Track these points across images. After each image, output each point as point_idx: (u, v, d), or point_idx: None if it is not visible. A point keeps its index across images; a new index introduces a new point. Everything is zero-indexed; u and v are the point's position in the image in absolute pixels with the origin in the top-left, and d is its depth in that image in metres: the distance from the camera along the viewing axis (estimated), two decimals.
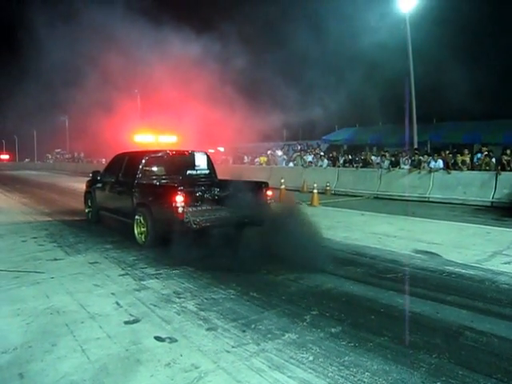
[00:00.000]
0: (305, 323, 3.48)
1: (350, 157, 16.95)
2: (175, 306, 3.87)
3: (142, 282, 4.58)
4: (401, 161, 14.19)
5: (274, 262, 5.11)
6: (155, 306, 3.87)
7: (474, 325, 3.44)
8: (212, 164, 7.85)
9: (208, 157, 7.80)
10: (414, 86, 16.23)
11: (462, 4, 17.06)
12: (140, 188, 6.68)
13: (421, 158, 13.48)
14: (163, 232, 6.04)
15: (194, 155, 7.56)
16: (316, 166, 17.09)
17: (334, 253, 5.62)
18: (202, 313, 3.70)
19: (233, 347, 3.04)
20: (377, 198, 13.34)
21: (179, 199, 5.56)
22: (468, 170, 12.38)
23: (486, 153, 12.69)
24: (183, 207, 5.58)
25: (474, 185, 11.59)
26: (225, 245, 5.60)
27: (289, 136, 28.19)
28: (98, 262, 5.44)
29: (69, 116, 46.91)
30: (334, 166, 16.56)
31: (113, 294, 4.19)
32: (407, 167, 13.66)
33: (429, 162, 13.05)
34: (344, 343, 3.12)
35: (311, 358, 2.88)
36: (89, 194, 8.66)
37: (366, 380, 2.61)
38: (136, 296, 4.13)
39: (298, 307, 3.85)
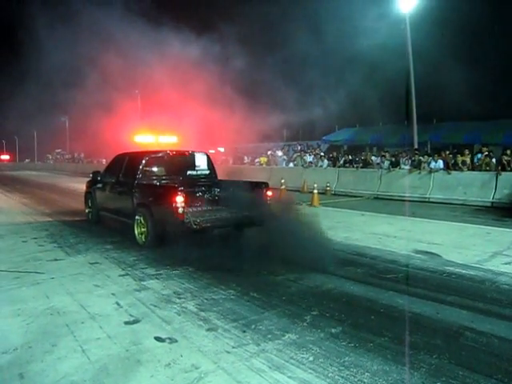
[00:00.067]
0: (305, 324, 3.48)
1: (350, 157, 16.95)
2: (175, 306, 3.87)
3: (143, 283, 4.58)
4: (401, 161, 14.19)
5: (274, 262, 5.10)
6: (155, 306, 3.87)
7: (475, 325, 3.44)
8: (212, 164, 7.85)
9: (208, 157, 7.81)
10: (414, 86, 16.23)
11: (462, 4, 17.07)
12: (140, 188, 6.69)
13: (421, 158, 13.48)
14: (163, 232, 6.04)
15: (194, 156, 7.57)
16: (316, 166, 17.09)
17: (334, 253, 5.61)
18: (203, 313, 3.69)
19: (233, 347, 3.04)
20: (377, 198, 13.34)
21: (179, 200, 5.56)
22: (468, 170, 12.38)
23: (487, 153, 12.68)
24: (183, 208, 5.58)
25: (475, 185, 11.59)
26: (225, 245, 5.60)
27: (289, 136, 28.22)
28: (98, 262, 5.44)
29: (69, 116, 46.98)
30: (334, 166, 16.56)
31: (113, 294, 4.19)
32: (407, 167, 13.66)
33: (429, 163, 13.05)
34: (344, 343, 3.12)
35: (311, 359, 2.88)
36: (89, 194, 8.66)
37: (366, 380, 2.61)
38: (136, 296, 4.13)
39: (299, 307, 3.85)
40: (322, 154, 19.04)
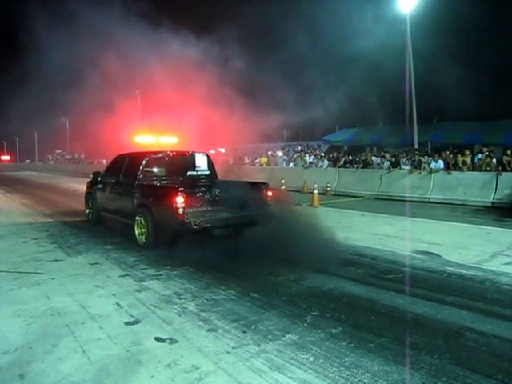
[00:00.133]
0: (305, 324, 3.48)
1: (350, 157, 16.95)
2: (176, 306, 3.87)
3: (143, 283, 4.58)
4: (401, 161, 14.18)
5: (274, 262, 5.10)
6: (156, 306, 3.87)
7: (475, 325, 3.44)
8: (212, 165, 7.86)
9: (208, 157, 7.81)
10: (415, 86, 16.23)
11: (462, 4, 17.07)
12: (140, 189, 6.69)
13: (421, 158, 13.48)
14: (164, 233, 6.05)
15: (194, 156, 7.57)
16: (316, 166, 17.09)
17: (334, 253, 5.61)
18: (203, 314, 3.69)
19: (233, 348, 3.04)
20: (377, 198, 13.34)
21: (180, 200, 5.56)
22: (469, 170, 12.37)
23: (487, 153, 12.67)
24: (184, 208, 5.58)
25: (475, 185, 11.58)
26: (225, 246, 5.60)
27: (289, 136, 28.24)
28: (98, 262, 5.44)
29: (69, 117, 47.00)
30: (334, 166, 16.56)
31: (113, 294, 4.19)
32: (407, 168, 13.65)
33: (429, 163, 13.05)
34: (344, 344, 3.12)
35: (312, 359, 2.88)
36: (89, 195, 8.67)
37: (366, 381, 2.61)
38: (136, 297, 4.13)
39: (299, 308, 3.85)
40: (323, 154, 19.05)
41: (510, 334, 3.30)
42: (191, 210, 5.82)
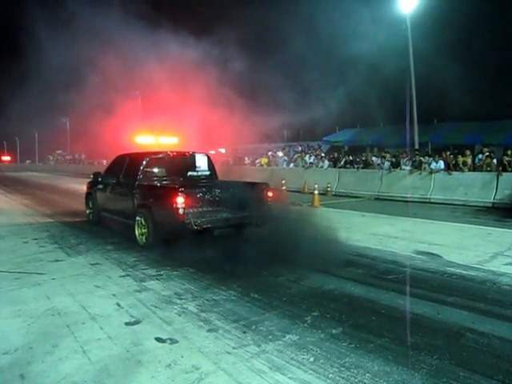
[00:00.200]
0: (305, 324, 3.48)
1: (350, 158, 16.95)
2: (176, 307, 3.87)
3: (143, 283, 4.58)
4: (401, 162, 14.18)
5: (274, 263, 5.11)
6: (156, 307, 3.87)
7: (475, 326, 3.44)
8: (213, 165, 7.87)
9: (209, 158, 7.82)
10: (415, 86, 16.23)
11: (463, 4, 17.07)
12: (141, 189, 6.69)
13: (421, 158, 13.47)
14: (164, 233, 6.05)
15: (194, 156, 7.58)
16: (317, 166, 17.09)
17: (334, 254, 5.61)
18: (203, 314, 3.70)
19: (233, 348, 3.04)
20: (378, 199, 13.33)
21: (180, 200, 5.56)
22: (469, 170, 12.37)
23: (487, 154, 12.67)
24: (184, 208, 5.58)
25: (475, 186, 11.58)
26: (225, 246, 5.60)
27: (290, 137, 28.27)
28: (98, 263, 5.44)
29: (70, 118, 47.07)
30: (334, 166, 16.56)
31: (114, 295, 4.19)
32: (408, 168, 13.65)
33: (430, 163, 13.04)
34: (345, 344, 3.12)
35: (312, 359, 2.88)
36: (90, 195, 8.67)
37: (366, 381, 2.61)
38: (137, 297, 4.13)
39: (299, 308, 3.85)
40: (323, 154, 19.05)
41: (511, 334, 3.29)
42: (191, 211, 5.82)
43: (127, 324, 3.48)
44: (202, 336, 3.25)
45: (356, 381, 2.61)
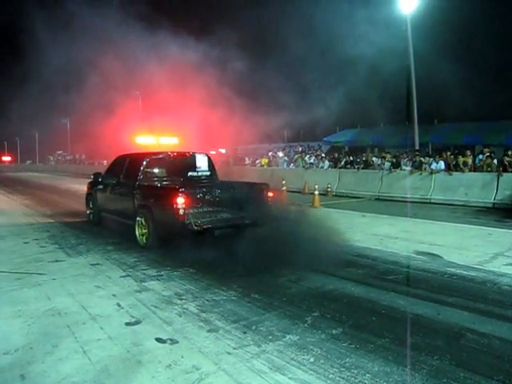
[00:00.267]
0: (306, 325, 3.48)
1: (351, 158, 16.94)
2: (176, 307, 3.87)
3: (143, 284, 4.58)
4: (402, 162, 14.17)
5: (274, 263, 5.10)
6: (156, 307, 3.87)
7: (476, 326, 3.43)
8: (213, 165, 7.87)
9: (209, 158, 7.82)
10: (416, 87, 16.23)
11: (464, 5, 17.08)
12: (141, 190, 6.69)
13: (422, 159, 13.47)
14: (164, 234, 6.05)
15: (194, 157, 7.58)
16: (317, 167, 17.09)
17: (335, 254, 5.61)
18: (203, 314, 3.70)
19: (234, 349, 3.04)
20: (378, 199, 13.33)
21: (180, 201, 5.57)
22: (470, 171, 12.36)
23: (488, 154, 12.65)
24: (184, 209, 5.58)
25: (476, 186, 11.57)
26: (226, 246, 5.60)
27: (290, 137, 28.29)
28: (99, 263, 5.45)
29: (70, 118, 47.13)
30: (335, 167, 16.55)
31: (114, 295, 4.20)
32: (408, 169, 13.64)
33: (430, 164, 13.04)
34: (345, 345, 3.12)
35: (312, 360, 2.88)
36: (90, 195, 8.67)
37: (367, 382, 2.61)
38: (137, 297, 4.13)
39: (299, 309, 3.85)
40: (323, 155, 19.05)
41: (511, 335, 3.29)
42: (192, 211, 5.83)
43: (127, 324, 3.49)
44: (203, 336, 3.25)
45: (356, 381, 2.61)
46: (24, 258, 5.68)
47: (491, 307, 3.87)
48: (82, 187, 12.05)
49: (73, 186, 18.81)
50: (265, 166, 20.15)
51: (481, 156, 13.16)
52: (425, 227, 8.19)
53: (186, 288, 4.43)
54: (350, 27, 14.34)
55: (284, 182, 14.08)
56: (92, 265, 5.36)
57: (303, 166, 17.58)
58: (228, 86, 14.72)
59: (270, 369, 2.76)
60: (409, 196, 12.33)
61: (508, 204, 10.63)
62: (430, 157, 13.66)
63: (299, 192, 14.61)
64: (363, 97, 17.02)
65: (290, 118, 17.48)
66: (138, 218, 6.46)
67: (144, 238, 6.34)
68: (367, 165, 15.44)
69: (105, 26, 15.54)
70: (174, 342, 3.15)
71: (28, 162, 63.69)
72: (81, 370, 2.74)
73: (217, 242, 5.75)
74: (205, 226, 5.61)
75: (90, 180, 8.90)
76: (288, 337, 3.24)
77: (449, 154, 13.80)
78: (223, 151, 25.99)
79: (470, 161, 12.82)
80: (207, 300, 4.06)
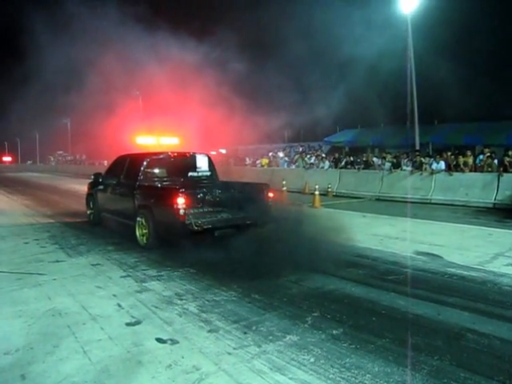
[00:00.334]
0: (306, 325, 3.48)
1: (351, 158, 16.93)
2: (177, 307, 3.88)
3: (144, 284, 4.58)
4: (402, 162, 14.17)
5: (275, 263, 5.10)
6: (157, 307, 3.87)
7: (476, 327, 3.43)
8: (213, 166, 7.87)
9: (209, 158, 7.82)
10: (416, 87, 16.23)
11: (464, 5, 17.07)
12: (142, 190, 6.70)
13: (422, 159, 13.46)
14: (165, 234, 6.06)
15: (195, 157, 7.58)
16: (317, 167, 17.08)
17: (335, 254, 5.61)
18: (204, 315, 3.70)
19: (234, 349, 3.04)
20: (378, 199, 13.32)
21: (181, 201, 5.57)
22: (470, 171, 12.35)
23: (488, 154, 12.64)
24: (185, 209, 5.58)
25: (476, 186, 11.56)
26: (226, 247, 5.60)
27: (290, 137, 28.27)
28: (99, 263, 5.45)
29: (71, 118, 47.19)
30: (335, 167, 16.54)
31: (114, 295, 4.20)
32: (409, 169, 13.64)
33: (430, 164, 13.03)
34: (345, 345, 3.12)
35: (312, 360, 2.88)
36: (90, 196, 8.68)
37: (367, 382, 2.61)
38: (137, 298, 4.14)
39: (300, 309, 3.85)
40: (324, 155, 19.05)
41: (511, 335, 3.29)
42: (192, 211, 5.83)
43: (128, 324, 3.49)
44: (203, 336, 3.25)
45: (356, 381, 2.61)
46: (24, 258, 5.68)
47: (491, 307, 3.87)
48: (82, 187, 12.06)
49: (73, 187, 18.82)
50: (265, 167, 20.15)
51: (481, 156, 13.15)
52: (425, 227, 8.19)
53: (187, 288, 4.43)
54: (350, 27, 14.34)
55: (284, 183, 14.08)
56: (92, 265, 5.36)
57: (303, 167, 17.58)
58: (228, 86, 14.73)
59: (271, 369, 2.76)
60: (409, 196, 12.32)
61: (508, 204, 10.62)
62: (430, 157, 13.65)
63: (300, 192, 14.61)
64: (363, 97, 17.01)
65: (290, 118, 17.49)
66: (138, 219, 6.47)
67: (144, 238, 6.34)
68: (368, 165, 15.44)
69: (105, 27, 15.56)
70: (174, 342, 3.16)
71: (28, 162, 63.80)
72: (81, 370, 2.74)
73: (217, 242, 5.75)
74: (205, 227, 5.61)
75: (90, 180, 8.90)
76: (288, 337, 3.24)
77: (449, 154, 13.79)
78: (224, 151, 26.00)
79: (470, 161, 12.82)
80: (207, 300, 4.06)
